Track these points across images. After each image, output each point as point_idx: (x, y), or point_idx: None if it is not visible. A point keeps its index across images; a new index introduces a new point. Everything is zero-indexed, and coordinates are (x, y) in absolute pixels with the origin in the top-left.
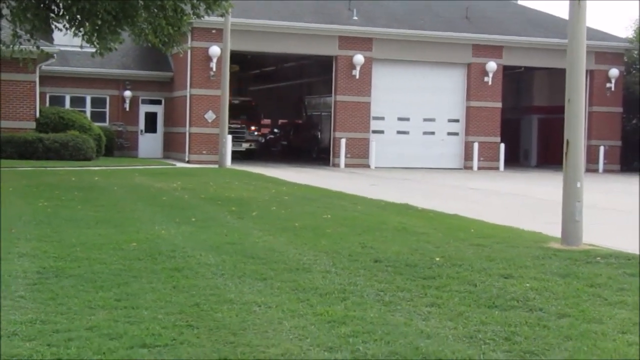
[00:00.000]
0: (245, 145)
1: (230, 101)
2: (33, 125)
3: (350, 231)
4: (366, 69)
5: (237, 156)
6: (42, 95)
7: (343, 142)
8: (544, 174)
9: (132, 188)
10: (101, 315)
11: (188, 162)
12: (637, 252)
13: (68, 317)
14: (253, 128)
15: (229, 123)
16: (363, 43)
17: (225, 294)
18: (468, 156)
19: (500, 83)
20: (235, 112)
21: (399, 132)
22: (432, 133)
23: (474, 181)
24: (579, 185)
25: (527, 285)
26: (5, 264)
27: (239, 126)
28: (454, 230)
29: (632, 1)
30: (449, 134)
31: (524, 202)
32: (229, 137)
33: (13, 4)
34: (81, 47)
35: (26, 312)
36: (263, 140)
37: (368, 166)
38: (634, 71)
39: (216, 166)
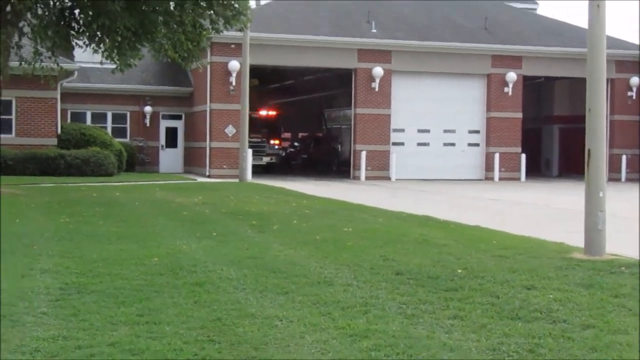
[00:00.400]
0: (265, 159)
1: (250, 115)
2: (55, 141)
3: (372, 244)
4: (385, 81)
5: (258, 170)
6: (64, 111)
7: (363, 154)
8: (566, 183)
9: (153, 203)
10: (123, 331)
11: (209, 176)
12: None
13: (90, 333)
14: (273, 142)
15: (250, 137)
16: (382, 55)
17: (246, 308)
18: (489, 167)
19: (520, 93)
20: (255, 126)
21: (419, 144)
22: (453, 144)
23: (495, 192)
24: (601, 194)
25: (551, 296)
26: (27, 280)
27: (259, 140)
28: (476, 241)
29: None
30: (470, 145)
31: (546, 212)
32: (249, 151)
33: (34, 21)
34: (101, 63)
35: (48, 328)
36: (284, 154)
37: (388, 178)
38: None
39: (237, 180)
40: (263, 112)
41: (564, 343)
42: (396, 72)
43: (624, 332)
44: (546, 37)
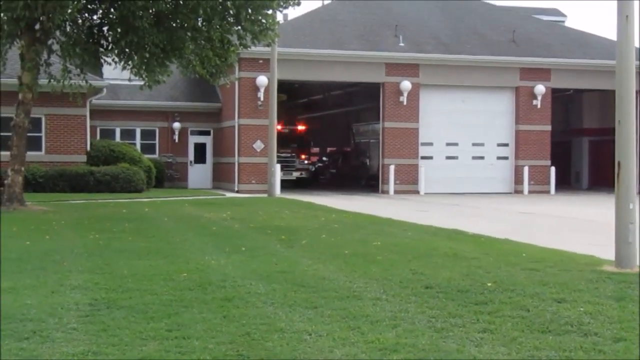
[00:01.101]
0: (295, 174)
1: (279, 130)
2: (84, 158)
3: (401, 258)
4: (413, 95)
5: (288, 185)
6: (93, 128)
7: (392, 168)
8: (596, 196)
9: (182, 218)
10: (152, 346)
11: (237, 191)
12: None
13: (120, 348)
14: (303, 156)
15: (279, 152)
16: (410, 69)
17: (275, 322)
18: (518, 180)
19: (549, 106)
20: (285, 140)
21: (447, 157)
22: (482, 157)
23: (525, 205)
24: (631, 206)
25: (582, 309)
26: (57, 296)
27: (289, 155)
28: (505, 254)
29: None
30: (499, 158)
31: (576, 225)
32: (278, 166)
33: (63, 39)
34: (129, 79)
35: (78, 344)
36: (313, 169)
37: (417, 192)
38: None
39: (265, 195)
40: (293, 127)
41: (595, 356)
42: (424, 85)
43: None
44: (574, 49)
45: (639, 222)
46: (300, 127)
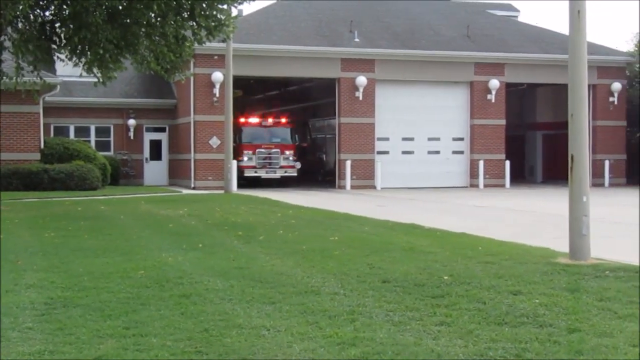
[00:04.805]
0: (280, 172)
1: (259, 123)
2: (38, 156)
3: (358, 252)
4: (369, 90)
5: (245, 183)
6: (47, 126)
7: (348, 164)
8: (550, 189)
9: (139, 216)
10: (110, 344)
11: (194, 188)
12: None
13: (77, 347)
14: (288, 152)
15: (260, 148)
16: (365, 64)
17: (233, 319)
18: (474, 174)
19: (503, 100)
20: (266, 135)
21: (404, 152)
22: (437, 152)
23: (480, 199)
24: (585, 199)
25: (537, 301)
26: (12, 295)
27: (271, 150)
28: (462, 248)
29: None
30: (454, 152)
31: (531, 218)
32: (234, 163)
33: (15, 36)
34: (81, 75)
35: (34, 343)
36: (300, 166)
37: (374, 187)
38: (636, 84)
39: (222, 192)
40: (275, 119)
41: (550, 347)
42: (380, 81)
43: (609, 335)
44: (528, 44)
45: (591, 214)
46: (284, 120)
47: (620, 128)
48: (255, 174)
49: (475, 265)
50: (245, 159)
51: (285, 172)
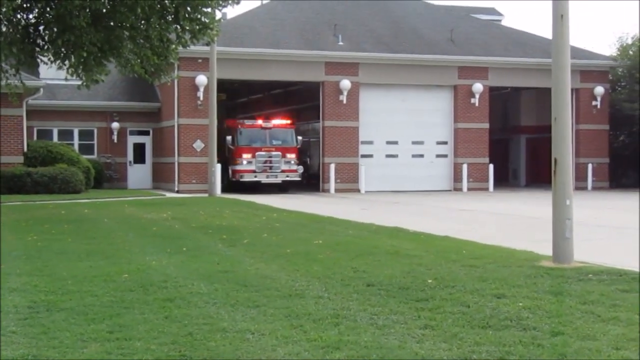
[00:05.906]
0: (281, 177)
1: (259, 125)
2: (21, 159)
3: (342, 256)
4: (353, 94)
5: (231, 186)
6: (30, 129)
7: (332, 167)
8: (534, 193)
9: (123, 219)
10: (94, 348)
11: (178, 191)
12: (629, 268)
13: (60, 350)
14: (290, 156)
15: (260, 151)
16: (349, 68)
17: (218, 322)
18: (457, 178)
19: (487, 104)
20: (267, 138)
21: (387, 156)
22: (421, 155)
23: (464, 202)
24: (568, 202)
25: (520, 304)
26: None
27: (272, 154)
28: (446, 252)
29: (615, 18)
30: (438, 156)
31: (515, 221)
32: (219, 166)
33: None
34: (66, 79)
35: (18, 347)
36: (302, 170)
37: (358, 190)
38: (619, 88)
39: (206, 195)
40: (276, 121)
41: (534, 350)
42: (364, 84)
43: (593, 338)
44: (511, 48)
45: (574, 217)
46: (285, 122)
47: (603, 132)
48: (255, 179)
49: (459, 269)
50: (244, 162)
51: (287, 176)
